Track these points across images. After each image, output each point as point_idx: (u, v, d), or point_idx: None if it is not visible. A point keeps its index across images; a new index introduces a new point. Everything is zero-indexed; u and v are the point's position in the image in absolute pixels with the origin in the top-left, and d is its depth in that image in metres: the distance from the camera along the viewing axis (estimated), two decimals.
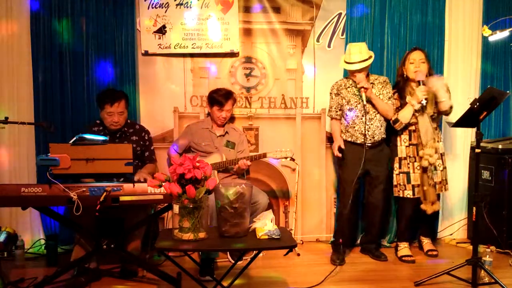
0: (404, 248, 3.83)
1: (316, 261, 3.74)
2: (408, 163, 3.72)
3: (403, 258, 3.75)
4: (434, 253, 3.86)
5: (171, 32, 3.99)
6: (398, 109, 3.73)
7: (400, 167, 3.75)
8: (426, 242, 3.96)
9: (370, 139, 3.66)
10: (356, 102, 3.68)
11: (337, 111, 3.77)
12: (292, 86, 4.21)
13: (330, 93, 3.80)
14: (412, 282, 3.21)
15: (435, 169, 3.68)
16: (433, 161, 3.64)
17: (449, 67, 4.30)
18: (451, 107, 3.69)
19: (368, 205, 3.85)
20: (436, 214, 4.14)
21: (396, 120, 3.68)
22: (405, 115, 3.66)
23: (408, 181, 3.72)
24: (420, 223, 3.98)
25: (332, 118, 3.84)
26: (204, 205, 2.59)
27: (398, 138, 3.77)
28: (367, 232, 3.94)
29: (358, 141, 3.66)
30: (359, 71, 3.60)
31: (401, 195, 3.76)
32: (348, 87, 3.72)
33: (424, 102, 3.55)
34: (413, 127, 3.71)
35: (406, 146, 3.74)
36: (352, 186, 3.63)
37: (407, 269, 3.59)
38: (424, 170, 3.67)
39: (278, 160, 3.84)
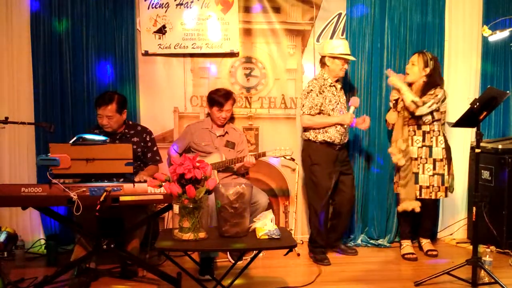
0: (406, 246, 3.86)
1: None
2: (419, 164, 3.73)
3: (406, 256, 3.79)
4: (434, 253, 3.86)
5: (171, 32, 3.99)
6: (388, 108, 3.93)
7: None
8: (425, 243, 3.96)
9: (343, 140, 3.73)
10: (336, 102, 3.71)
11: (318, 111, 3.68)
12: (292, 86, 4.21)
13: (311, 91, 3.65)
14: (412, 282, 3.21)
15: (399, 169, 3.75)
16: (395, 160, 3.72)
17: (449, 67, 4.30)
18: (413, 102, 3.60)
19: (340, 202, 3.82)
20: (435, 215, 4.16)
21: (385, 121, 3.87)
22: (389, 116, 3.84)
23: (416, 181, 3.73)
24: (418, 224, 3.98)
25: (306, 115, 3.68)
26: (204, 205, 2.60)
27: (410, 139, 3.78)
28: (336, 229, 3.90)
29: (336, 142, 3.67)
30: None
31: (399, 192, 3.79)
32: (328, 86, 3.71)
33: (392, 102, 3.78)
34: (427, 128, 3.73)
35: (419, 147, 3.75)
36: (327, 190, 3.65)
37: (407, 269, 3.59)
38: (398, 169, 3.78)
39: (278, 159, 3.84)
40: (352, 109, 3.71)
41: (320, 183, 3.67)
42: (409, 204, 3.71)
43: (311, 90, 3.67)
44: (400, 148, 3.70)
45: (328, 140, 3.66)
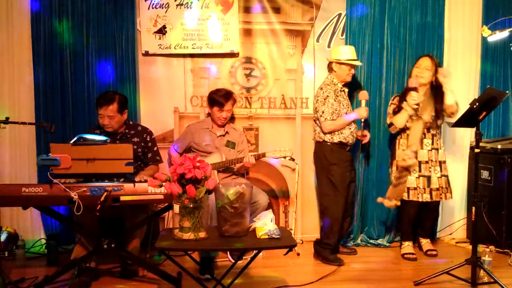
0: (407, 246, 3.88)
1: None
2: (430, 167, 3.74)
3: (405, 256, 3.80)
4: (434, 253, 3.87)
5: (171, 33, 4.00)
6: (394, 111, 3.81)
7: (420, 171, 3.74)
8: (425, 242, 3.97)
9: (354, 141, 3.76)
10: (347, 105, 3.75)
11: (338, 115, 3.68)
12: (292, 86, 4.21)
13: (327, 97, 3.65)
14: (412, 281, 3.21)
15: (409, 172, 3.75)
16: (405, 164, 3.69)
17: (449, 67, 4.28)
18: (456, 103, 3.67)
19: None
20: (437, 215, 4.15)
21: (391, 124, 3.80)
22: (398, 120, 3.74)
23: (428, 184, 3.73)
24: (418, 224, 3.98)
25: (329, 120, 3.65)
26: (204, 205, 2.60)
27: (397, 141, 3.79)
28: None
29: (349, 143, 3.71)
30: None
31: (420, 199, 3.73)
32: (339, 90, 3.73)
33: (414, 106, 3.64)
34: (434, 131, 3.75)
35: (429, 150, 3.75)
36: (345, 189, 3.68)
37: (406, 269, 3.60)
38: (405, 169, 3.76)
39: (278, 160, 3.84)
40: (363, 102, 3.74)
41: (340, 182, 3.66)
42: (392, 203, 3.76)
43: (327, 96, 3.67)
44: (414, 151, 3.71)
45: (343, 141, 3.68)
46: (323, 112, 3.65)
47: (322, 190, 3.80)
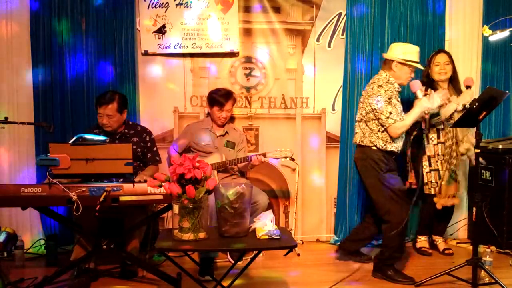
0: (424, 241, 3.94)
1: (316, 261, 3.74)
2: (437, 161, 3.73)
3: (422, 249, 3.86)
4: (450, 251, 3.89)
5: (171, 32, 3.99)
6: None
7: (430, 165, 3.73)
8: (440, 242, 3.98)
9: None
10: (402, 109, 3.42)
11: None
12: (292, 86, 4.21)
13: (391, 97, 3.23)
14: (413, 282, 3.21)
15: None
16: (470, 154, 3.70)
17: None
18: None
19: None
20: (452, 212, 4.08)
21: (437, 114, 3.63)
22: (446, 113, 3.63)
23: (440, 178, 3.72)
24: (434, 222, 3.97)
25: (399, 122, 3.25)
26: (204, 205, 2.59)
27: (424, 137, 3.74)
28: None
29: (399, 152, 3.40)
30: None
31: (432, 192, 3.73)
32: (398, 92, 3.36)
33: (468, 105, 3.43)
34: (441, 126, 3.73)
35: (435, 145, 3.74)
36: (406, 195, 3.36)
37: (407, 269, 3.57)
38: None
39: (278, 160, 3.83)
40: (419, 93, 3.29)
41: (400, 187, 3.31)
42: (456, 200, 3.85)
43: (391, 96, 3.24)
44: (472, 142, 3.70)
45: (395, 150, 3.34)
46: (390, 113, 3.21)
47: (379, 200, 3.32)
